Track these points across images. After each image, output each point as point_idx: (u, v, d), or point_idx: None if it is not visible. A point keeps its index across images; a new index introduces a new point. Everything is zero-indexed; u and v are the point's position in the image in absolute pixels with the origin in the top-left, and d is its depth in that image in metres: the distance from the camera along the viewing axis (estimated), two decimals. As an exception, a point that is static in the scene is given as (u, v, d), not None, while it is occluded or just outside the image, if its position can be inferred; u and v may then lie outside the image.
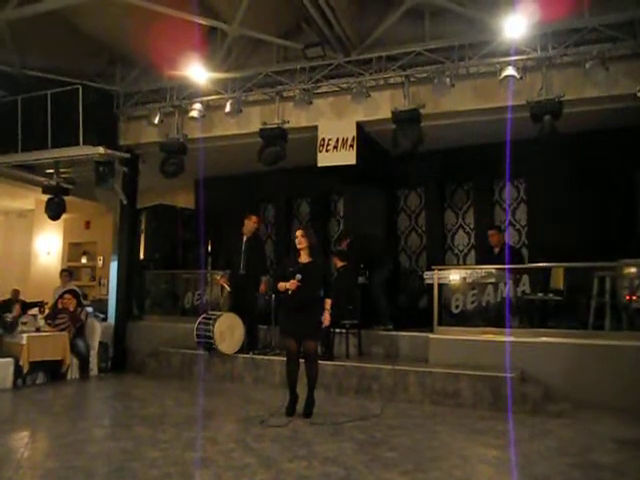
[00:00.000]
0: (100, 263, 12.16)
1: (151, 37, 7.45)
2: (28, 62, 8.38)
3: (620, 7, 6.46)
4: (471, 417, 5.79)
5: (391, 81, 7.59)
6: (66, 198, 9.35)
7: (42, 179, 9.51)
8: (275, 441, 4.83)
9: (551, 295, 7.22)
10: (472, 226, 9.40)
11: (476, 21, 7.02)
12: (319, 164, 7.76)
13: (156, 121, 8.49)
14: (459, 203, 9.61)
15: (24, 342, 7.38)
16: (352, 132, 7.63)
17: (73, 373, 8.07)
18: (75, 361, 8.10)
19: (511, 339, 6.62)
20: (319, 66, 7.80)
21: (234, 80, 8.22)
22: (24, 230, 12.69)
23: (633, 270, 6.73)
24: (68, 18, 7.65)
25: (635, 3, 6.36)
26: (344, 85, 7.73)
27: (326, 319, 5.68)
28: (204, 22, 7.34)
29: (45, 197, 9.39)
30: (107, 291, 10.14)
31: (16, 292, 10.07)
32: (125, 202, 9.36)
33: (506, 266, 7.24)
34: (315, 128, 7.85)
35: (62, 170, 9.42)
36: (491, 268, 7.48)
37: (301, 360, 5.74)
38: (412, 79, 7.37)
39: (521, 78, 6.71)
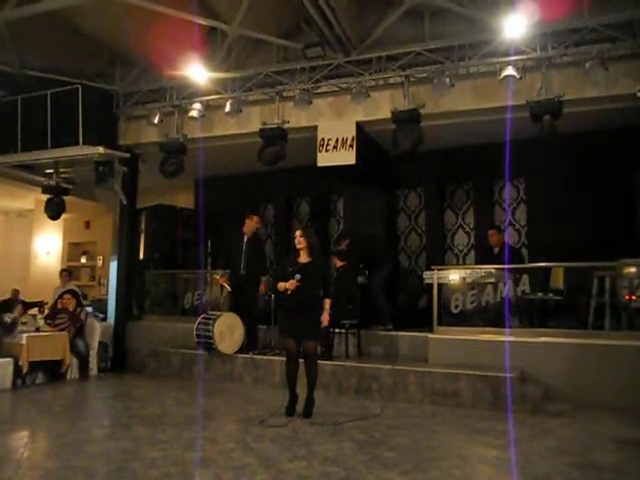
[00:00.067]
0: (100, 263, 12.16)
1: (151, 37, 7.45)
2: (28, 62, 8.38)
3: (620, 7, 6.47)
4: (471, 417, 5.79)
5: (391, 81, 7.59)
6: (66, 198, 9.36)
7: (42, 179, 9.51)
8: (275, 441, 4.83)
9: (551, 295, 7.22)
10: (472, 226, 9.41)
11: (476, 21, 7.02)
12: (319, 164, 7.76)
13: (156, 121, 8.49)
14: (459, 203, 9.61)
15: (24, 342, 7.38)
16: (352, 132, 7.64)
17: (73, 373, 8.07)
18: (75, 361, 8.10)
19: (511, 339, 6.62)
20: (319, 66, 7.80)
21: (234, 80, 8.22)
22: (24, 230, 12.69)
23: (633, 270, 6.73)
24: (68, 18, 7.64)
25: (634, 3, 6.36)
26: (344, 85, 7.73)
27: (325, 319, 5.68)
28: (204, 22, 7.35)
29: (45, 197, 9.38)
30: (107, 291, 10.14)
31: (16, 292, 10.06)
32: (125, 202, 9.36)
33: (506, 266, 7.24)
34: (315, 128, 7.86)
35: (62, 170, 9.42)
36: (491, 268, 7.48)
37: (301, 360, 5.74)
38: (412, 79, 7.37)
39: (521, 78, 6.71)
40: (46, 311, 8.75)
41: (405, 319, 8.18)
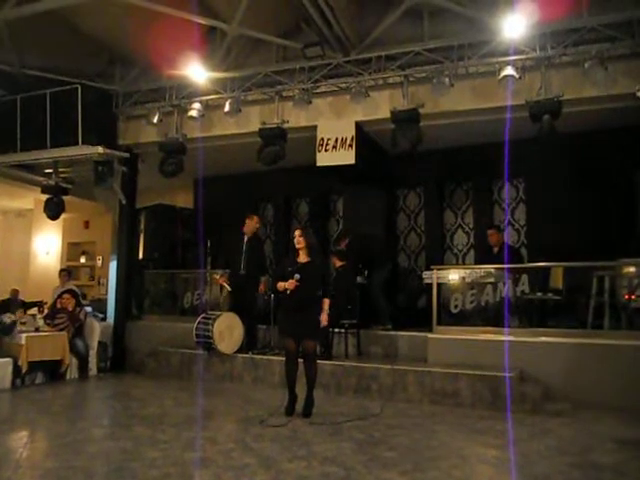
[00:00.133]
0: (99, 263, 12.15)
1: (150, 37, 7.44)
2: (27, 61, 8.37)
3: (619, 7, 6.47)
4: (470, 417, 5.79)
5: (390, 81, 7.59)
6: (65, 198, 9.34)
7: (41, 179, 9.50)
8: (274, 441, 4.83)
9: (550, 295, 7.22)
10: (471, 226, 9.41)
11: (475, 21, 7.02)
12: (318, 164, 7.76)
13: (155, 120, 8.49)
14: (458, 203, 9.61)
15: (23, 342, 7.38)
16: (351, 132, 7.63)
17: (72, 373, 8.07)
18: (74, 361, 8.10)
19: (510, 339, 6.62)
20: (318, 66, 7.80)
21: (233, 80, 8.22)
22: (23, 230, 12.69)
23: (632, 269, 6.73)
24: (67, 18, 7.64)
25: (634, 3, 6.37)
26: (343, 85, 7.73)
27: (324, 319, 5.67)
28: (203, 22, 7.34)
29: (44, 197, 9.37)
30: (106, 291, 10.14)
31: (15, 292, 10.07)
32: (124, 202, 9.36)
33: (505, 266, 7.24)
34: (314, 128, 7.85)
35: (61, 170, 9.41)
36: (490, 268, 7.48)
37: (300, 360, 5.74)
38: (411, 79, 7.37)
39: (520, 78, 6.71)
40: (45, 311, 8.74)
41: (404, 319, 8.19)
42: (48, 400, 6.72)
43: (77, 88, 8.31)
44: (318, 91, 7.90)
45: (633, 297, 6.56)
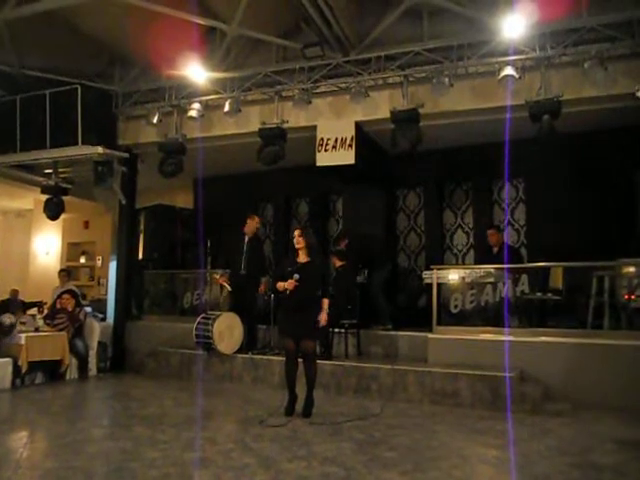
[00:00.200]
0: (99, 263, 12.14)
1: (150, 37, 7.44)
2: (27, 62, 8.37)
3: (619, 7, 6.46)
4: (470, 417, 5.79)
5: (390, 81, 7.59)
6: (65, 198, 9.34)
7: (41, 179, 9.49)
8: (274, 441, 4.82)
9: (550, 295, 7.22)
10: (471, 226, 9.41)
11: (475, 21, 7.02)
12: (318, 164, 7.76)
13: (155, 121, 8.49)
14: (458, 203, 9.61)
15: (23, 342, 7.37)
16: (351, 132, 7.63)
17: (72, 373, 8.07)
18: (74, 361, 8.10)
19: (510, 339, 6.62)
20: (318, 66, 7.79)
21: (233, 80, 8.22)
22: (23, 230, 12.68)
23: (632, 269, 6.73)
24: (67, 18, 7.63)
25: (633, 3, 6.36)
26: (343, 85, 7.73)
27: (323, 319, 5.66)
28: (203, 22, 7.34)
29: (44, 197, 9.36)
30: (106, 291, 10.14)
31: (15, 292, 10.06)
32: (124, 202, 9.36)
33: (505, 266, 7.24)
34: (314, 128, 7.85)
35: (61, 170, 9.41)
36: (490, 268, 7.48)
37: (300, 360, 5.74)
38: (411, 79, 7.37)
39: (520, 78, 6.70)
40: (45, 311, 8.75)
41: (404, 319, 8.18)
42: (48, 400, 6.72)
43: (77, 88, 8.31)
44: (318, 91, 7.90)
45: (633, 297, 6.56)
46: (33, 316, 8.75)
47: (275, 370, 7.21)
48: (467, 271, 7.72)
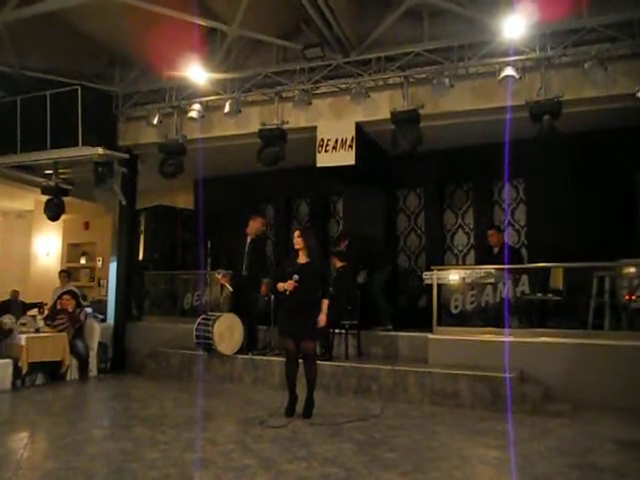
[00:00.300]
0: (99, 264, 12.13)
1: (150, 38, 7.45)
2: (27, 63, 8.38)
3: (619, 7, 6.47)
4: (471, 417, 5.79)
5: (390, 82, 7.59)
6: (65, 199, 9.34)
7: (41, 180, 9.49)
8: (274, 442, 4.82)
9: (550, 295, 7.23)
10: (471, 226, 9.41)
11: (475, 21, 7.02)
12: (318, 164, 7.76)
13: (155, 122, 8.49)
14: (458, 203, 9.61)
15: (23, 343, 7.38)
16: (351, 133, 7.63)
17: (72, 374, 8.07)
18: (74, 362, 8.10)
19: (510, 339, 6.62)
20: (318, 67, 7.80)
21: (233, 81, 8.22)
22: (23, 231, 12.68)
23: (632, 270, 6.73)
24: (67, 19, 7.63)
25: (634, 3, 6.36)
26: (343, 86, 7.73)
27: (322, 320, 5.64)
28: (203, 23, 7.34)
29: (44, 198, 9.37)
30: (106, 292, 10.14)
31: (16, 293, 10.07)
32: (124, 203, 9.36)
33: (505, 266, 7.24)
34: (314, 129, 7.85)
35: (61, 171, 9.40)
36: (490, 268, 7.48)
37: (300, 361, 5.74)
38: (411, 80, 7.37)
39: (520, 78, 6.71)
40: (46, 312, 8.75)
41: (405, 319, 8.18)
42: (48, 401, 6.72)
43: (77, 89, 8.31)
44: (318, 92, 7.90)
45: (633, 297, 6.56)
46: (33, 317, 8.75)
47: (275, 371, 7.21)
48: (467, 272, 7.72)
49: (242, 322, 7.77)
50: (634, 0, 6.39)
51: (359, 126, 7.74)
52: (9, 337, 7.56)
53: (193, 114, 8.22)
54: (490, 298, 7.37)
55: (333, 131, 7.73)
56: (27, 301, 9.79)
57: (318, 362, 6.01)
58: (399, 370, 6.62)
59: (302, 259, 5.78)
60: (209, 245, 9.33)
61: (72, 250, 12.62)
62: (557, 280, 7.35)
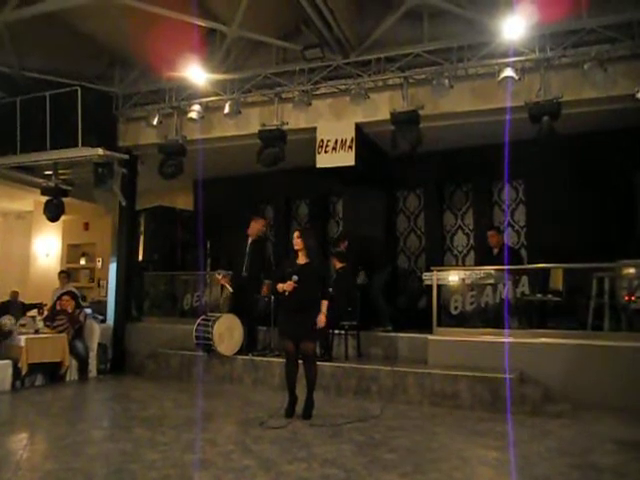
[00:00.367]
0: (99, 264, 12.14)
1: (150, 39, 7.45)
2: (27, 63, 8.38)
3: (618, 8, 6.47)
4: (470, 418, 5.79)
5: (390, 82, 7.59)
6: (65, 200, 9.34)
7: (41, 180, 9.49)
8: (274, 443, 4.82)
9: (550, 296, 7.23)
10: (471, 227, 9.41)
11: (475, 22, 7.02)
12: (318, 165, 7.76)
13: (155, 122, 8.49)
14: (458, 204, 9.61)
15: (23, 344, 7.37)
16: (351, 133, 7.63)
17: (72, 375, 8.06)
18: (74, 363, 8.10)
19: (510, 340, 6.62)
20: (318, 67, 7.80)
21: (233, 81, 8.22)
22: (23, 232, 12.67)
23: (632, 271, 6.73)
24: (67, 20, 7.64)
25: (633, 4, 6.37)
26: (343, 86, 7.72)
27: (321, 320, 5.63)
28: (203, 24, 7.35)
29: (44, 199, 9.37)
30: (106, 293, 10.14)
31: (15, 294, 10.06)
32: (124, 203, 9.36)
33: (505, 267, 7.25)
34: (314, 129, 7.85)
35: (61, 171, 9.40)
36: (490, 269, 7.48)
37: (300, 362, 5.74)
38: (411, 80, 7.37)
39: (519, 79, 6.71)
40: (45, 313, 8.74)
41: (404, 320, 8.18)
42: (48, 402, 6.72)
43: (77, 90, 8.31)
44: (318, 93, 7.90)
45: (633, 298, 6.56)
46: (33, 318, 8.75)
47: (275, 372, 7.20)
48: (467, 272, 7.71)
49: (242, 323, 7.77)
50: (633, 1, 6.39)
51: (359, 127, 7.73)
52: (9, 338, 7.55)
53: (193, 115, 8.22)
54: (490, 299, 7.37)
55: (333, 132, 7.73)
56: (27, 302, 9.78)
57: (318, 363, 6.01)
58: (399, 371, 6.62)
59: (301, 260, 5.77)
60: (209, 246, 9.33)
61: (72, 251, 12.62)
62: (557, 281, 7.36)
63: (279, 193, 10.66)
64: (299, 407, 5.69)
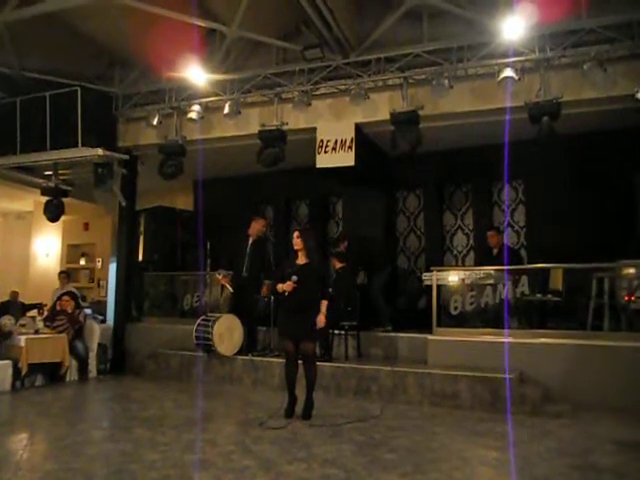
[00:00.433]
0: (99, 265, 12.13)
1: (150, 39, 7.45)
2: (27, 64, 8.38)
3: (618, 9, 6.47)
4: (470, 418, 5.79)
5: (390, 83, 7.59)
6: (65, 200, 9.35)
7: (41, 181, 9.50)
8: (274, 443, 4.82)
9: (550, 296, 7.23)
10: (471, 227, 9.41)
11: (474, 23, 7.03)
12: (318, 166, 7.76)
13: (155, 122, 8.49)
14: (458, 204, 9.61)
15: (23, 344, 7.37)
16: (351, 134, 7.63)
17: (72, 375, 8.07)
18: (74, 363, 8.11)
19: (510, 340, 6.63)
20: (318, 68, 7.80)
21: (233, 82, 8.22)
22: (23, 232, 12.67)
23: (631, 271, 6.74)
24: (67, 20, 7.64)
25: (633, 5, 6.37)
26: (343, 87, 7.73)
27: (320, 321, 5.62)
28: (203, 24, 7.35)
29: (44, 199, 9.37)
30: (106, 293, 10.14)
31: (15, 294, 10.06)
32: (124, 204, 9.36)
33: (505, 267, 7.25)
34: (314, 130, 7.85)
35: (61, 172, 9.40)
36: (490, 269, 7.49)
37: (300, 362, 5.74)
38: (410, 81, 7.37)
39: (519, 79, 6.71)
40: (45, 313, 8.75)
41: (404, 320, 8.18)
42: (48, 402, 6.72)
43: (77, 90, 8.31)
44: (317, 93, 7.90)
45: (633, 298, 6.56)
46: (33, 318, 8.76)
47: (275, 372, 7.20)
48: (467, 273, 7.71)
49: (242, 323, 7.77)
50: (633, 1, 6.39)
51: (358, 127, 7.74)
52: (9, 338, 7.55)
53: (193, 115, 8.22)
54: (489, 299, 7.38)
55: (333, 132, 7.73)
56: (27, 302, 9.79)
57: (318, 363, 6.01)
58: (399, 371, 6.62)
59: (301, 260, 5.77)
60: (209, 246, 9.32)
61: (72, 251, 12.62)
62: (556, 281, 7.35)
63: (279, 193, 10.66)
64: (299, 407, 5.69)
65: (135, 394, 7.27)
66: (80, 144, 8.36)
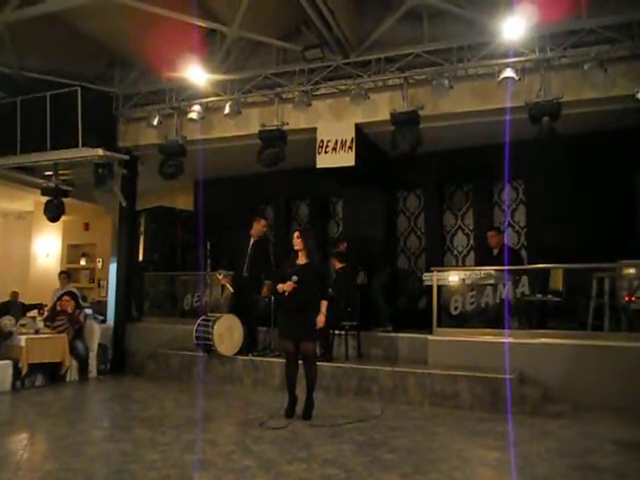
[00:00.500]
0: (99, 265, 12.13)
1: (150, 39, 7.46)
2: (27, 64, 8.38)
3: (618, 9, 6.48)
4: (470, 419, 5.79)
5: (390, 83, 7.59)
6: (65, 200, 9.35)
7: (41, 181, 9.50)
8: (274, 443, 4.82)
9: (550, 296, 7.23)
10: (471, 227, 9.41)
11: (475, 23, 7.03)
12: (318, 166, 7.76)
13: (155, 123, 8.49)
14: (458, 204, 9.61)
15: (23, 344, 7.38)
16: (351, 134, 7.63)
17: (72, 375, 8.07)
18: (74, 363, 8.11)
19: (510, 340, 6.63)
20: (318, 68, 7.80)
21: (233, 82, 8.23)
22: (23, 232, 12.67)
23: (632, 271, 6.74)
24: (67, 20, 7.64)
25: (633, 5, 6.37)
26: (343, 87, 7.73)
27: (320, 321, 5.62)
28: (203, 24, 7.36)
29: (44, 199, 9.38)
30: (106, 293, 10.16)
31: (15, 294, 10.06)
32: (124, 204, 9.36)
33: (505, 267, 7.25)
34: (314, 130, 7.85)
35: (61, 172, 9.41)
36: (490, 269, 7.48)
37: (300, 362, 5.74)
38: (411, 81, 7.37)
39: (519, 80, 6.71)
40: (45, 313, 8.75)
41: (405, 320, 8.18)
42: (48, 402, 6.72)
43: (77, 90, 8.31)
44: (318, 93, 7.90)
45: (633, 299, 6.56)
46: (33, 318, 8.75)
47: (275, 372, 7.21)
48: (467, 273, 7.71)
49: (242, 323, 7.77)
50: (633, 1, 6.39)
51: (359, 127, 7.74)
52: (9, 338, 7.55)
53: (193, 115, 8.22)
54: (490, 299, 7.38)
55: (333, 132, 7.73)
56: (27, 302, 9.79)
57: (318, 363, 6.01)
58: (399, 371, 6.62)
59: (301, 260, 5.77)
60: (209, 246, 9.32)
61: (72, 251, 12.62)
62: (557, 281, 7.36)
63: (279, 193, 10.66)
64: (299, 407, 5.70)
65: (135, 394, 7.27)
66: (80, 144, 8.36)
